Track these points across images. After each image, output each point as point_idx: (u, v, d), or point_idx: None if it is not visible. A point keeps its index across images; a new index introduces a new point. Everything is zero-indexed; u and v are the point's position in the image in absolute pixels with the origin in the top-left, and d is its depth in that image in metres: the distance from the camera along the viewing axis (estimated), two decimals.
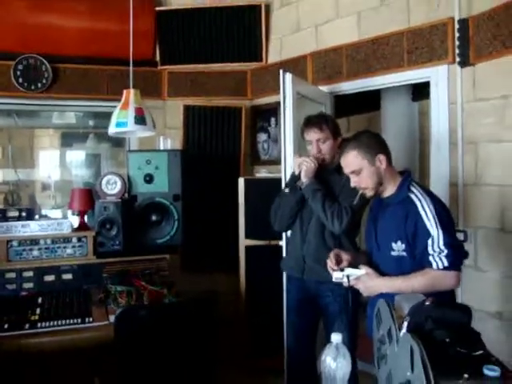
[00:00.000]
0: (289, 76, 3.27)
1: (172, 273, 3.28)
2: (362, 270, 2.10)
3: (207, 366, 2.54)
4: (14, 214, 3.11)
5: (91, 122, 6.25)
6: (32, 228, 3.11)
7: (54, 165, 7.02)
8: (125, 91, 3.14)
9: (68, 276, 3.10)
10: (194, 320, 2.51)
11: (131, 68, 3.35)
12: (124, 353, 2.32)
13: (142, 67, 4.29)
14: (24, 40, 4.14)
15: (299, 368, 2.95)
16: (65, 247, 3.16)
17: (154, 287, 2.90)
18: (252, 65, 4.52)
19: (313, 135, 2.76)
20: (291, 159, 3.17)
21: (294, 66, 4.15)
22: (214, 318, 2.55)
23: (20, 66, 4.16)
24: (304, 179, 2.72)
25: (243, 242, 3.91)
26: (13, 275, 3.01)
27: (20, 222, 3.10)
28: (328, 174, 2.80)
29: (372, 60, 3.69)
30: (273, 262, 3.30)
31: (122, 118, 3.04)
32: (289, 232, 3.10)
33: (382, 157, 2.12)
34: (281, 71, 3.28)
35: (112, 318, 2.63)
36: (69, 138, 6.99)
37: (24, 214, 3.12)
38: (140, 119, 3.04)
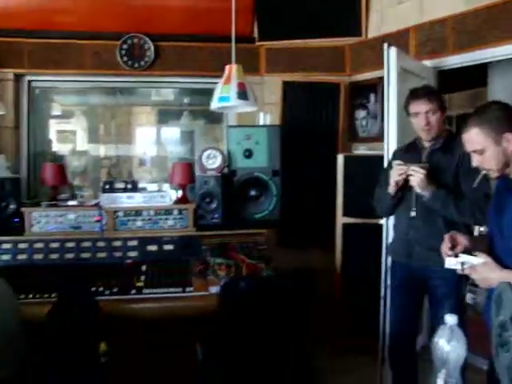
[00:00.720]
0: (393, 50, 3.14)
1: (268, 248, 3.29)
2: (480, 259, 1.82)
3: (302, 342, 2.53)
4: (120, 185, 3.25)
5: (186, 100, 6.37)
6: (136, 199, 3.25)
7: (151, 141, 7.28)
8: (227, 66, 3.17)
9: (169, 247, 3.20)
10: (291, 295, 2.51)
11: (233, 44, 3.36)
12: (226, 322, 2.36)
13: (240, 44, 4.29)
14: (129, 20, 4.29)
15: (400, 347, 2.88)
16: (166, 219, 3.26)
17: (252, 261, 2.94)
18: (351, 40, 4.40)
19: (421, 107, 2.62)
20: (394, 136, 3.07)
21: (395, 40, 3.98)
22: (312, 294, 2.54)
23: (125, 46, 4.32)
24: (420, 191, 2.57)
25: (340, 219, 3.86)
26: (119, 243, 3.15)
27: (125, 194, 3.24)
28: (436, 154, 2.67)
29: (482, 31, 3.46)
30: (371, 241, 3.24)
31: (224, 93, 3.07)
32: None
33: (510, 136, 1.81)
34: (385, 45, 3.16)
35: (212, 289, 2.70)
36: (164, 115, 7.19)
37: (129, 186, 3.25)
38: (242, 94, 3.05)
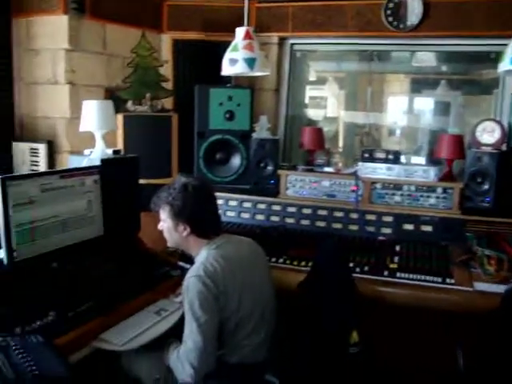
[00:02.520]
0: None
1: None
2: None
3: None
4: (381, 155, 3.00)
5: (444, 67, 5.77)
6: (397, 172, 2.96)
7: (402, 111, 6.89)
8: None
9: (427, 228, 2.86)
10: None
11: None
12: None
13: None
14: None
15: None
16: (428, 197, 2.92)
17: None
18: None
19: None
20: None
21: None
22: None
23: (391, 4, 3.97)
24: None
25: None
26: (373, 217, 2.93)
27: (386, 165, 2.97)
28: None
29: None
30: None
31: None
32: None
33: None
34: None
35: (477, 285, 2.30)
36: (418, 84, 6.70)
37: (391, 156, 2.97)
38: None
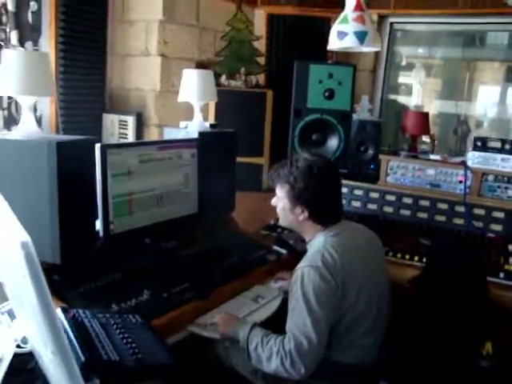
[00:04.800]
0: None
1: None
2: None
3: None
4: (495, 144, 2.70)
5: None
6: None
7: (493, 101, 6.44)
8: None
9: None
10: None
11: None
12: None
13: None
14: None
15: None
16: None
17: None
18: None
19: None
20: None
21: None
22: None
23: None
24: None
25: None
26: (482, 212, 2.64)
27: (500, 155, 2.68)
28: None
29: None
30: None
31: None
32: None
33: None
34: None
35: None
36: None
37: (507, 146, 2.67)
38: None
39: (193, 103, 2.30)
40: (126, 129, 3.22)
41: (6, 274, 1.06)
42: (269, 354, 1.59)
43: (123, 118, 3.22)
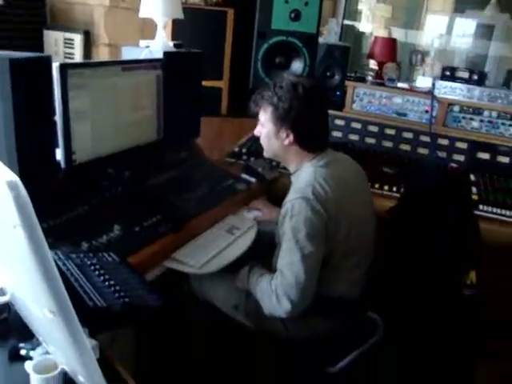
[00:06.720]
0: None
1: None
2: None
3: None
4: (463, 74, 2.67)
5: None
6: (479, 95, 2.64)
7: (440, 31, 6.42)
8: None
9: (504, 159, 2.59)
10: None
11: None
12: None
13: None
14: None
15: None
16: (510, 125, 2.62)
17: None
18: None
19: None
20: None
21: None
22: None
23: None
24: None
25: None
26: (445, 142, 2.65)
27: (467, 86, 2.65)
28: None
29: None
30: None
31: None
32: None
33: None
34: None
35: None
36: (464, 2, 6.19)
37: (475, 77, 2.64)
38: None
39: (156, 20, 2.08)
40: (73, 48, 2.93)
41: None
42: (261, 294, 1.55)
43: (68, 35, 2.93)
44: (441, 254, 1.66)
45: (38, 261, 0.67)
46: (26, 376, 0.92)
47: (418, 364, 1.84)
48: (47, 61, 1.57)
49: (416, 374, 1.86)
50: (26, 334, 1.04)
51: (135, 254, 1.51)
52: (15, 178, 0.66)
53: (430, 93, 2.68)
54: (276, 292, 1.49)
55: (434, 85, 2.69)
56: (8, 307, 1.11)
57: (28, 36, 2.88)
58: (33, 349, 1.01)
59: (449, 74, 2.67)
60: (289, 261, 1.49)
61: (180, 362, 1.90)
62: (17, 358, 1.01)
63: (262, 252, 1.79)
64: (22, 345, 1.02)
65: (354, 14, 4.55)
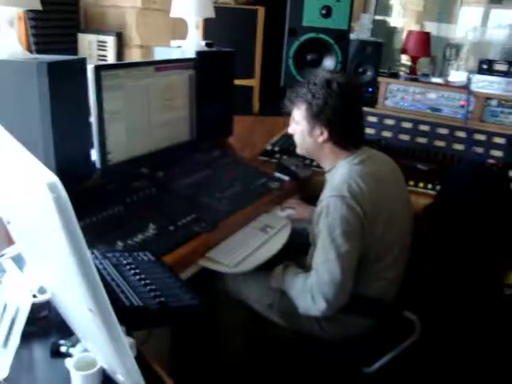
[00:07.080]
0: None
1: None
2: None
3: None
4: (501, 67, 2.59)
5: None
6: None
7: (473, 25, 6.26)
8: None
9: None
10: None
11: None
12: None
13: None
14: None
15: None
16: None
17: None
18: None
19: None
20: None
21: None
22: None
23: None
24: None
25: None
26: (483, 137, 2.58)
27: (506, 79, 2.57)
28: None
29: None
30: None
31: None
32: None
33: None
34: None
35: None
36: None
37: None
38: None
39: (187, 20, 2.09)
40: (106, 50, 2.97)
41: (23, 225, 0.92)
42: (296, 293, 1.54)
43: (102, 38, 2.97)
44: (481, 252, 1.62)
45: (77, 262, 0.67)
46: (67, 372, 0.94)
47: (456, 366, 1.80)
48: (82, 63, 1.59)
49: (453, 377, 1.82)
50: (65, 331, 1.06)
51: (170, 254, 1.52)
52: (55, 178, 0.66)
53: (465, 87, 2.61)
54: (311, 291, 1.48)
55: (469, 79, 2.62)
56: (48, 305, 1.13)
57: (63, 40, 2.94)
58: (73, 346, 1.02)
59: (486, 67, 2.60)
60: (324, 259, 1.48)
61: (213, 362, 1.91)
62: (57, 354, 1.03)
63: (296, 250, 1.78)
64: (62, 342, 1.04)
65: (385, 8, 4.48)
